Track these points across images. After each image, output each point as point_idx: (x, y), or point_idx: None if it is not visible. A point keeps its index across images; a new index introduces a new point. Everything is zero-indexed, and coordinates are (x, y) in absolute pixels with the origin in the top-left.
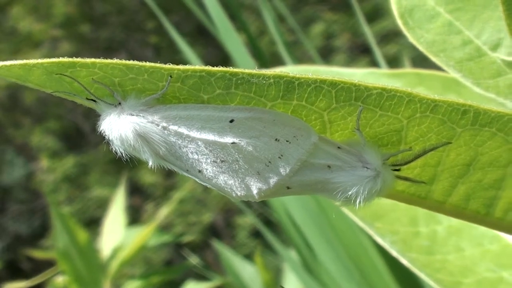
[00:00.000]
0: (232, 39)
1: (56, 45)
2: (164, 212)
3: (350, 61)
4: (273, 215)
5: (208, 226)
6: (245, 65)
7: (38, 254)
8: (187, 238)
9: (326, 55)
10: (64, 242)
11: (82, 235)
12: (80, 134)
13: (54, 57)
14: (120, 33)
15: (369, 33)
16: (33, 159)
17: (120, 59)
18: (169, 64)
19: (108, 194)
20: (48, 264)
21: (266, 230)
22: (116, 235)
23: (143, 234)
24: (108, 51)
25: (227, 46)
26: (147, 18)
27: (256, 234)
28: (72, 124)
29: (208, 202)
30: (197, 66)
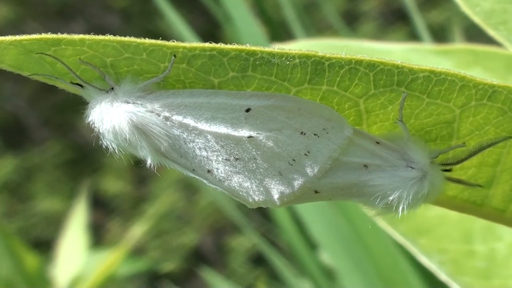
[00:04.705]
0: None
1: None
2: (136, 232)
3: (382, 32)
4: (278, 235)
5: (194, 250)
6: (249, 36)
7: None
8: (167, 266)
9: (350, 22)
10: (8, 269)
11: (31, 260)
12: (21, 128)
13: None
14: None
15: None
16: None
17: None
18: (172, 41)
19: (61, 208)
20: None
21: (272, 252)
22: (75, 261)
23: (110, 261)
24: (59, 18)
25: (225, 9)
26: None
27: (256, 260)
28: (12, 116)
29: (192, 219)
30: (206, 43)
